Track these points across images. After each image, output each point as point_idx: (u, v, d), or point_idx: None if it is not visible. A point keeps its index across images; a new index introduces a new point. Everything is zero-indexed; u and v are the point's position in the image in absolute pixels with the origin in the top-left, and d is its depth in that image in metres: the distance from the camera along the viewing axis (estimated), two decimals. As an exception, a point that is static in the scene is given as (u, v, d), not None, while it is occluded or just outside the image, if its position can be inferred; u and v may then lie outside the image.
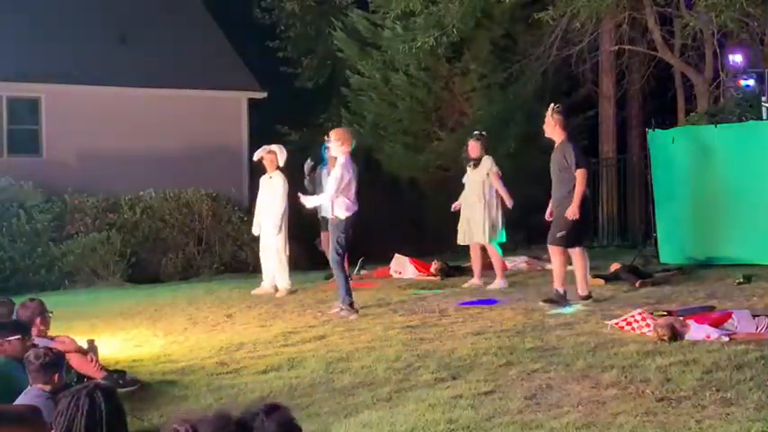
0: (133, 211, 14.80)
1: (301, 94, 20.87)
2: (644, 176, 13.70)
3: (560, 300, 8.19)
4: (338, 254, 8.41)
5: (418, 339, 6.96)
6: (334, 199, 8.41)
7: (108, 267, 14.02)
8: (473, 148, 10.10)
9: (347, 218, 8.43)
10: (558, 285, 8.27)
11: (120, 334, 8.32)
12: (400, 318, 8.08)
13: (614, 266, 10.23)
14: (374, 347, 6.73)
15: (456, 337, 6.94)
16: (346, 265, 8.75)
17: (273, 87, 18.54)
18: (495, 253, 10.02)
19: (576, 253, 8.32)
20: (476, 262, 10.14)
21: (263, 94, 18.31)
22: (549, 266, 11.11)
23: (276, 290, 10.34)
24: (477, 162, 10.06)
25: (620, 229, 16.62)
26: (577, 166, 8.22)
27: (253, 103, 18.27)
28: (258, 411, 2.44)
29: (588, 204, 8.59)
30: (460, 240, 10.24)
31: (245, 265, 14.81)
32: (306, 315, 8.66)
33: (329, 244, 11.41)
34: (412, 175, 17.84)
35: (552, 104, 8.64)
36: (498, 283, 9.87)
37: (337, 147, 8.54)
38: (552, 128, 8.46)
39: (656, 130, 11.92)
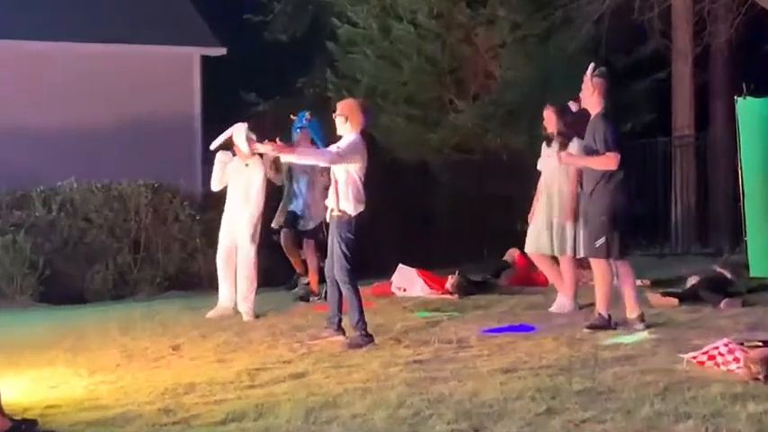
0: (48, 208, 14.78)
1: (273, 51, 20.89)
2: (731, 160, 13.70)
3: (605, 325, 8.44)
4: (347, 261, 8.44)
5: (429, 379, 6.97)
6: (338, 161, 8.44)
7: (13, 282, 14.01)
8: (549, 118, 10.20)
9: (359, 214, 8.52)
10: (601, 307, 8.55)
11: (30, 372, 8.31)
12: (405, 350, 8.11)
13: (692, 280, 10.24)
14: (370, 389, 6.74)
15: (480, 376, 6.95)
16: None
17: (235, 41, 18.54)
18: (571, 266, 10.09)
19: (601, 265, 8.58)
20: (567, 275, 10.11)
21: (221, 51, 18.32)
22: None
23: (236, 310, 10.47)
24: (567, 139, 9.99)
25: (700, 231, 16.64)
26: (608, 148, 8.37)
27: (208, 63, 18.27)
28: None
29: (624, 200, 8.65)
30: (544, 248, 10.15)
31: (197, 279, 14.81)
32: (279, 346, 8.67)
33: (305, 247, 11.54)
34: (421, 159, 17.85)
35: (592, 65, 8.74)
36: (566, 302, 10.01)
37: (342, 123, 8.62)
38: (585, 94, 8.60)
39: (747, 98, 11.92)
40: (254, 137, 10.39)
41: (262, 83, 19.70)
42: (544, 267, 10.38)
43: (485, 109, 17.37)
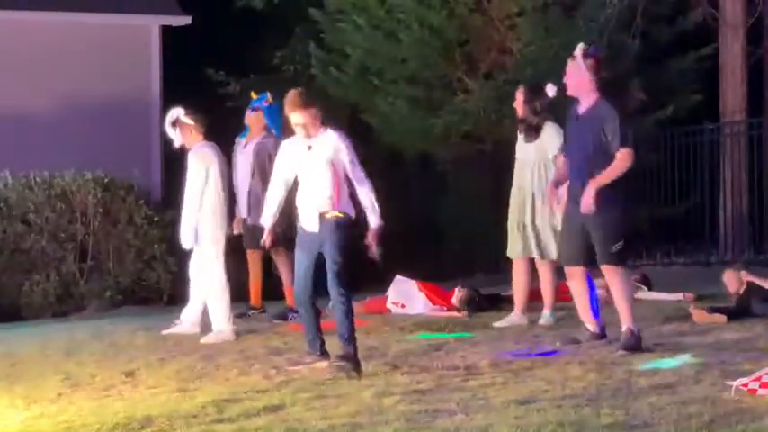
0: (-24, 208, 14.84)
1: (246, 20, 20.86)
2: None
3: (637, 343, 8.52)
4: (339, 268, 8.41)
5: (431, 412, 6.95)
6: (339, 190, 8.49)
7: (-65, 297, 14.08)
8: (519, 103, 10.34)
9: (356, 216, 8.54)
10: (627, 321, 8.63)
11: (-44, 403, 8.33)
12: (402, 378, 8.12)
13: (731, 281, 10.31)
14: (360, 425, 6.73)
15: (492, 408, 6.94)
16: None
17: (201, 9, 18.52)
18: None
19: (620, 273, 8.71)
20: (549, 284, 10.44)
21: (184, 20, 18.29)
22: (641, 295, 11.23)
23: (202, 330, 10.48)
24: (532, 129, 10.24)
25: (754, 235, 16.63)
26: (622, 144, 8.47)
27: (169, 34, 18.25)
28: None
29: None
30: (520, 252, 10.36)
31: (155, 291, 14.81)
32: (252, 373, 8.68)
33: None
34: (423, 150, 17.84)
35: (581, 45, 8.79)
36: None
37: (312, 125, 8.42)
38: (577, 79, 8.64)
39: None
40: (190, 122, 10.39)
41: (232, 58, 19.67)
42: (516, 274, 10.49)
43: (499, 90, 17.31)
